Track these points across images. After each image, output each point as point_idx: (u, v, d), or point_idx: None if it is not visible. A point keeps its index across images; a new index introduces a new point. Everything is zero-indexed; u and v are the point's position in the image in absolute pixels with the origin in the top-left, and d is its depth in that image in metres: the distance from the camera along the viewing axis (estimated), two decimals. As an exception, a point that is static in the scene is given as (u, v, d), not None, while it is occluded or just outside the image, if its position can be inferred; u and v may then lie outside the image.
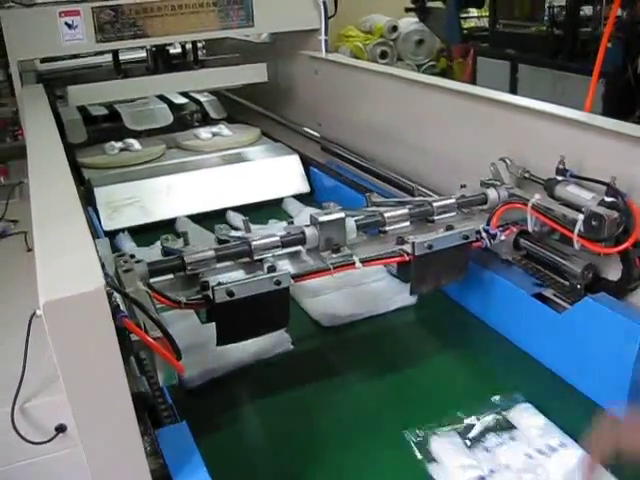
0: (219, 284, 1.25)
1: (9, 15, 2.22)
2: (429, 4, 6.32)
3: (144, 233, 2.13)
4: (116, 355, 0.81)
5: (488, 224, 1.50)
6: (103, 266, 0.85)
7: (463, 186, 1.63)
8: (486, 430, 1.24)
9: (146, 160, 2.52)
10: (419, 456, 1.20)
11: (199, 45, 2.99)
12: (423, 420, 1.26)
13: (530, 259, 1.52)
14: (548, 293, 1.47)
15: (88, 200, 2.19)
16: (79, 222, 0.97)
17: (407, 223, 1.54)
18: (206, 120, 3.10)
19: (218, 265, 1.36)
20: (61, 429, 1.28)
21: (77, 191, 1.16)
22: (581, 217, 1.33)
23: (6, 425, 1.23)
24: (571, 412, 1.29)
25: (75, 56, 3.18)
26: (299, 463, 1.22)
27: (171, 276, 1.33)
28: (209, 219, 2.22)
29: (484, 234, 1.47)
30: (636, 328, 1.23)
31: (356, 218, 1.50)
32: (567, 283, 1.43)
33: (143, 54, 3.12)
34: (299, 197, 2.36)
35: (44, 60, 3.29)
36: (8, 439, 1.24)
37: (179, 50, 3.20)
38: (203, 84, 2.75)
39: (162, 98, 3.04)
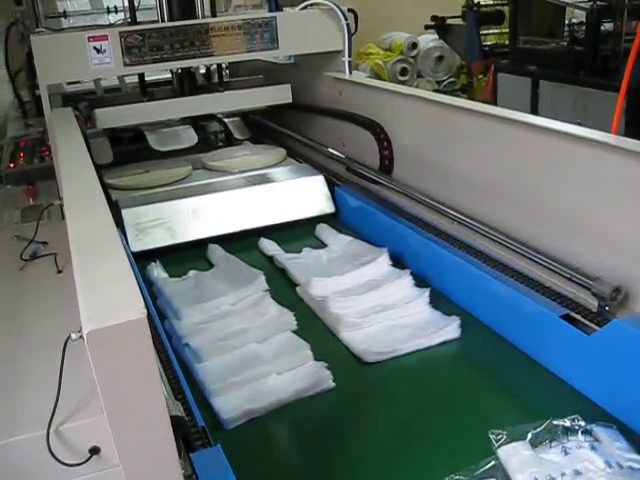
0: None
1: (39, 41, 2.26)
2: (448, 21, 6.35)
3: (176, 264, 2.12)
4: (156, 381, 0.83)
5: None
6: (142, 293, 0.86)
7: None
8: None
9: (173, 181, 2.54)
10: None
11: (223, 66, 3.03)
12: (463, 459, 1.21)
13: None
14: (576, 314, 1.47)
15: (115, 221, 2.22)
16: (117, 249, 0.99)
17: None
18: (230, 140, 3.14)
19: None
20: (95, 451, 1.30)
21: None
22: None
23: (41, 447, 1.25)
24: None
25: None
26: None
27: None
28: (239, 243, 2.24)
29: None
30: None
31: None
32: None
33: (166, 75, 3.18)
34: (324, 217, 2.37)
35: (70, 82, 3.35)
36: (43, 461, 1.26)
37: (203, 71, 3.25)
38: (228, 106, 2.78)
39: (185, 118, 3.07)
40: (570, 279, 1.49)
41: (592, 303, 1.45)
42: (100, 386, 0.79)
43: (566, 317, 1.47)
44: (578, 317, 1.46)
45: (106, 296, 0.85)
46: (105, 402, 0.81)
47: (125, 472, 0.85)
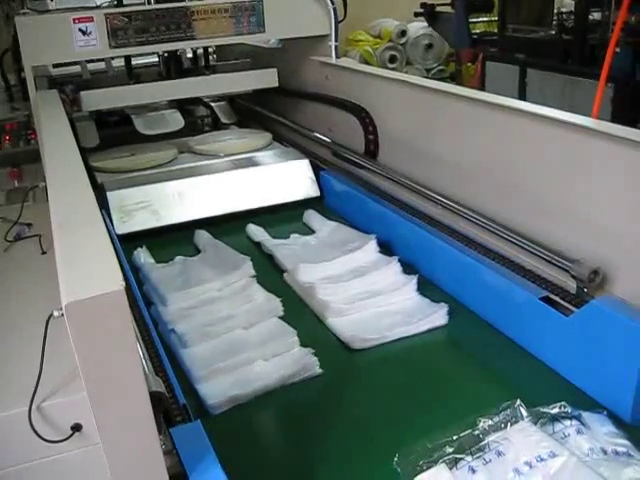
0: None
1: (24, 22, 2.25)
2: (438, 9, 6.34)
3: (162, 248, 2.11)
4: (135, 353, 0.84)
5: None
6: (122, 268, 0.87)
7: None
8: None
9: (159, 164, 2.54)
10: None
11: (210, 50, 3.02)
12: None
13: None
14: (555, 296, 1.49)
15: (100, 204, 2.21)
16: (97, 226, 1.00)
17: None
18: (217, 125, 3.13)
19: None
20: (77, 428, 1.31)
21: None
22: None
23: (24, 424, 1.26)
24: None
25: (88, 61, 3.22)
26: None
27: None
28: (225, 227, 2.23)
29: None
30: (640, 331, 1.24)
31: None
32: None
33: (153, 59, 3.16)
34: (309, 201, 2.38)
35: (56, 65, 3.32)
36: (26, 437, 1.27)
37: (190, 55, 3.24)
38: (215, 89, 2.78)
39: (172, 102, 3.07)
40: (550, 261, 1.50)
41: (571, 285, 1.47)
42: (79, 358, 0.80)
43: (546, 299, 1.48)
44: (557, 299, 1.48)
45: (86, 271, 0.86)
46: (84, 375, 0.81)
47: (104, 445, 0.86)
